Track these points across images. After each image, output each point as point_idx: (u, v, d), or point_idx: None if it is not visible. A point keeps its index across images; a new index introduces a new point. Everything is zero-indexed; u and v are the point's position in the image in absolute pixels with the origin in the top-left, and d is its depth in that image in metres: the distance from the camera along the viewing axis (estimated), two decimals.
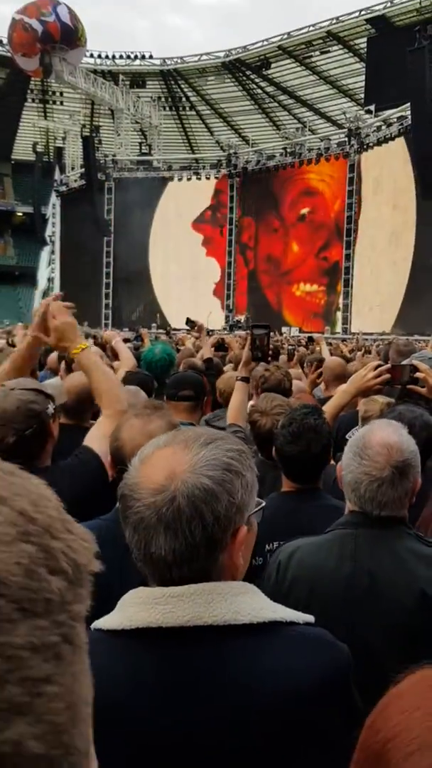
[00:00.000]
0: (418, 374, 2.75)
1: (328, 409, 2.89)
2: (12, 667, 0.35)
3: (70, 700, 0.38)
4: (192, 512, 1.01)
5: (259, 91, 39.89)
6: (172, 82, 41.20)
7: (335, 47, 34.83)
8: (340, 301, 28.58)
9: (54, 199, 36.98)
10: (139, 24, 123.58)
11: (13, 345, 6.52)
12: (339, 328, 27.91)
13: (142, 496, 1.03)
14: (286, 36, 35.33)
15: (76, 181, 35.48)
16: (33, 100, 42.73)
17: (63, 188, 36.28)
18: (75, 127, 38.66)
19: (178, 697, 1.00)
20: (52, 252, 37.50)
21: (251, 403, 3.37)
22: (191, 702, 1.00)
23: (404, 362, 3.10)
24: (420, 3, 29.68)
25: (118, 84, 36.90)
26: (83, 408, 3.42)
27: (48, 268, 38.18)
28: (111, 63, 39.92)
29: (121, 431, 1.87)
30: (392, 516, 1.76)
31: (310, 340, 10.87)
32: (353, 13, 32.55)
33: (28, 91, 41.83)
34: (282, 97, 39.69)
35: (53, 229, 37.25)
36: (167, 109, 41.74)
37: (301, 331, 26.11)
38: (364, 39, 31.86)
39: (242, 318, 27.99)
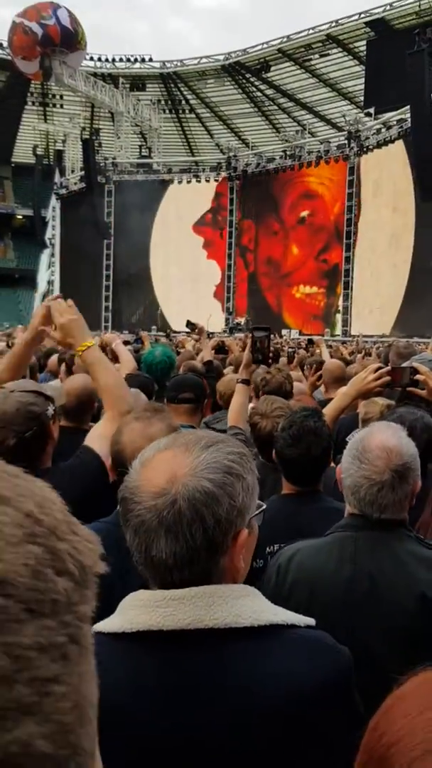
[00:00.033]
0: (418, 376, 2.74)
1: (328, 411, 2.88)
2: (20, 667, 0.35)
3: (77, 700, 0.39)
4: (193, 515, 1.00)
5: (259, 94, 39.96)
6: (172, 85, 41.26)
7: (335, 50, 34.91)
8: (340, 303, 28.59)
9: (54, 202, 37.02)
10: (139, 27, 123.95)
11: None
12: (339, 330, 27.91)
13: (142, 499, 1.03)
14: (285, 39, 35.39)
15: (76, 183, 35.53)
16: (33, 103, 42.82)
17: (63, 191, 36.32)
18: (75, 130, 38.73)
19: (179, 700, 1.00)
20: (52, 255, 37.53)
21: (251, 405, 3.37)
22: (192, 705, 1.00)
23: (404, 364, 3.10)
24: (419, 6, 29.75)
25: (118, 87, 36.97)
26: (83, 410, 3.42)
27: (48, 270, 38.21)
28: (111, 66, 40.00)
29: (122, 434, 1.87)
30: (392, 519, 1.76)
31: (310, 342, 10.87)
32: (353, 16, 32.63)
33: (28, 94, 41.92)
34: (282, 100, 39.76)
35: (53, 231, 37.29)
36: (167, 111, 41.83)
37: (301, 333, 26.11)
38: (364, 42, 31.97)
39: (242, 320, 27.99)
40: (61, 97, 41.45)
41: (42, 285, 39.02)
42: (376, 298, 26.27)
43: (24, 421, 2.04)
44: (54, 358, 5.83)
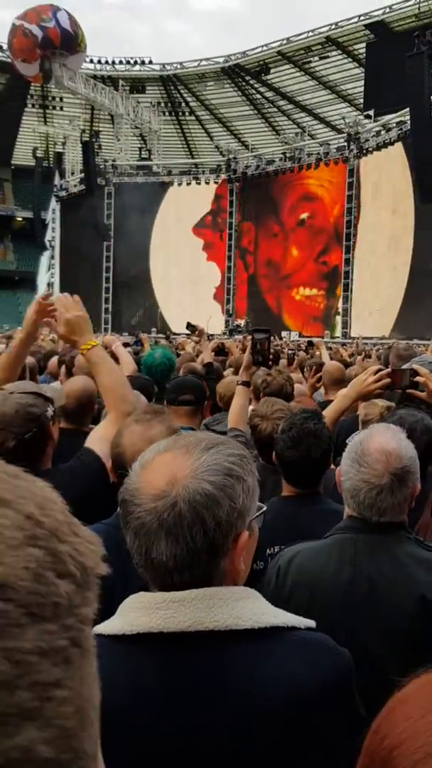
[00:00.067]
0: (418, 378, 2.74)
1: (328, 413, 2.89)
2: (21, 672, 0.35)
3: (78, 703, 0.38)
4: (193, 517, 1.00)
5: (259, 96, 40.02)
6: (172, 88, 41.32)
7: (334, 52, 34.96)
8: (340, 305, 28.63)
9: (54, 204, 37.07)
10: (139, 29, 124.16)
11: None
12: (339, 332, 27.94)
13: (143, 502, 1.03)
14: (285, 41, 35.45)
15: (75, 186, 35.56)
16: (33, 106, 42.87)
17: (63, 193, 36.36)
18: (75, 133, 38.75)
19: (179, 702, 1.00)
20: (52, 257, 37.58)
21: (252, 407, 3.37)
22: (193, 707, 1.00)
23: (404, 366, 3.10)
24: (419, 8, 29.81)
25: (117, 89, 37.01)
26: (83, 412, 3.42)
27: (48, 272, 38.25)
28: (111, 68, 40.07)
29: (122, 436, 1.87)
30: (392, 521, 1.75)
31: (310, 344, 10.87)
32: (352, 18, 32.69)
33: (28, 97, 41.97)
34: (281, 102, 39.81)
35: (53, 233, 37.33)
36: (167, 114, 41.88)
37: (300, 335, 26.12)
38: (363, 44, 32.01)
39: (242, 322, 27.99)
40: (61, 99, 41.50)
41: (42, 287, 39.02)
42: (375, 300, 26.30)
43: (23, 422, 2.04)
44: (54, 360, 5.82)
